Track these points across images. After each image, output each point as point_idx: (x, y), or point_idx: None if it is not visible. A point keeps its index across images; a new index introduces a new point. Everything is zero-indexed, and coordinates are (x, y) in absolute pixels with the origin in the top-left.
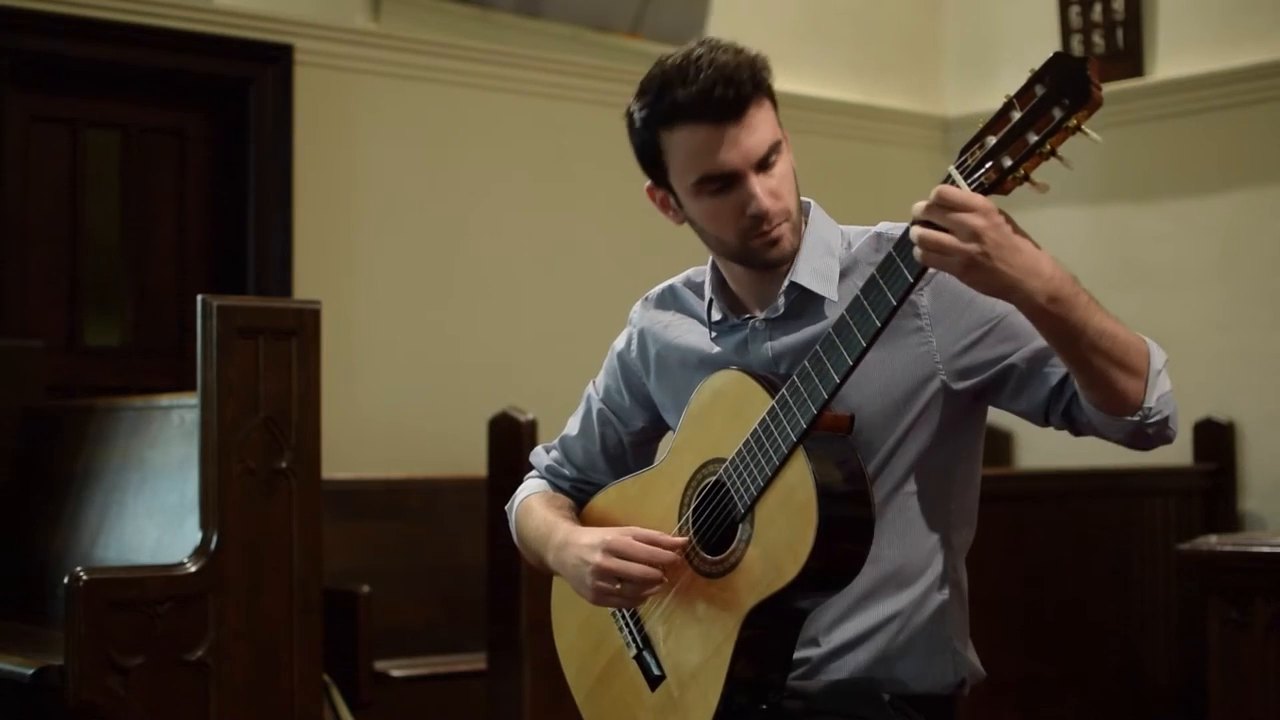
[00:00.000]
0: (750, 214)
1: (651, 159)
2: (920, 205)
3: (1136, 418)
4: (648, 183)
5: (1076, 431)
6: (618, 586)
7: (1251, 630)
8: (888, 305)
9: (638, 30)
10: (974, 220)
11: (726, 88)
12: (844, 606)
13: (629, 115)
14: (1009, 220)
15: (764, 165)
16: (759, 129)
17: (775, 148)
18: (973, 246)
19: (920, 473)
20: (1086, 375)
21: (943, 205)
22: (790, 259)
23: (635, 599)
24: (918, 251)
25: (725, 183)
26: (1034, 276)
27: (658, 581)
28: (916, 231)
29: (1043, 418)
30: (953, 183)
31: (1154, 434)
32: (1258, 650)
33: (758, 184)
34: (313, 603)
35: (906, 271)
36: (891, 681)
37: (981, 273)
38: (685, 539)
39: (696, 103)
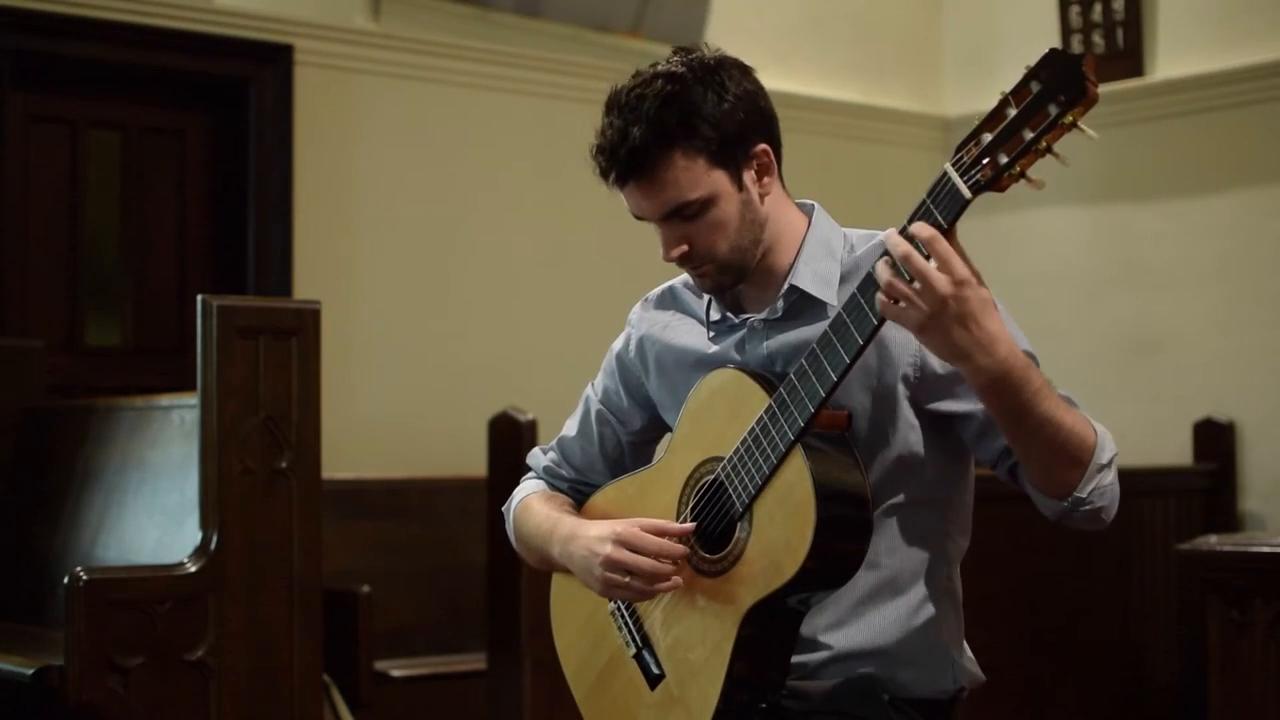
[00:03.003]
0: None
1: None
2: (896, 241)
3: (1066, 504)
4: None
5: (1021, 489)
6: (627, 579)
7: (1251, 630)
8: None
9: (638, 30)
10: (942, 285)
11: (629, 150)
12: (842, 611)
13: None
14: (984, 286)
15: (681, 216)
16: (668, 187)
17: (692, 204)
18: (932, 308)
19: (915, 479)
20: (1023, 454)
21: (915, 259)
22: (724, 292)
23: (644, 592)
24: (880, 297)
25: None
26: (986, 354)
27: (667, 576)
28: (883, 278)
29: (992, 468)
30: (949, 180)
31: (1081, 519)
32: (1258, 650)
33: (665, 234)
34: (313, 603)
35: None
36: (891, 684)
37: (935, 335)
38: (692, 525)
39: (600, 159)
